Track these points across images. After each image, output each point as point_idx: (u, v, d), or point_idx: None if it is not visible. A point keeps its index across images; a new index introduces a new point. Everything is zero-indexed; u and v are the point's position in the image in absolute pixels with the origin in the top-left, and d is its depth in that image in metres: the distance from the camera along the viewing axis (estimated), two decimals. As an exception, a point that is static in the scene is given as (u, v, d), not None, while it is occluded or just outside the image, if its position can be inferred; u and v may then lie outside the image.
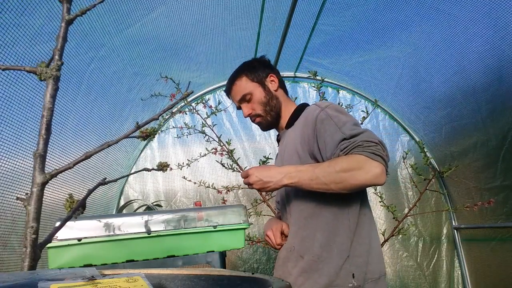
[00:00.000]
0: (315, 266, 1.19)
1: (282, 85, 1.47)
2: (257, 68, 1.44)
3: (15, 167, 1.48)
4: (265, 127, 1.46)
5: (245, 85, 1.41)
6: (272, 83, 1.43)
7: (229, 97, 1.51)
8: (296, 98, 2.92)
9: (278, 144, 1.52)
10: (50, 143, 0.69)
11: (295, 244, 1.27)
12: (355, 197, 1.22)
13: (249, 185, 1.26)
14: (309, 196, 1.23)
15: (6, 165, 1.45)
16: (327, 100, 2.59)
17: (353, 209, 1.22)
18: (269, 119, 1.42)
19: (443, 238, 3.08)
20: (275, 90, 1.43)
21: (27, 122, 1.51)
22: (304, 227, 1.25)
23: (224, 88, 2.05)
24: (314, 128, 1.22)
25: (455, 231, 3.06)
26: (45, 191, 0.68)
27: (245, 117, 1.45)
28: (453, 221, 3.07)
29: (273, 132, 3.12)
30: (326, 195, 1.19)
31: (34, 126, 1.54)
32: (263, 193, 2.63)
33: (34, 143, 1.50)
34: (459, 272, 3.02)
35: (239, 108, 1.47)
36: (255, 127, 3.08)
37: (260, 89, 1.41)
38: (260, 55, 1.54)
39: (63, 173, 0.70)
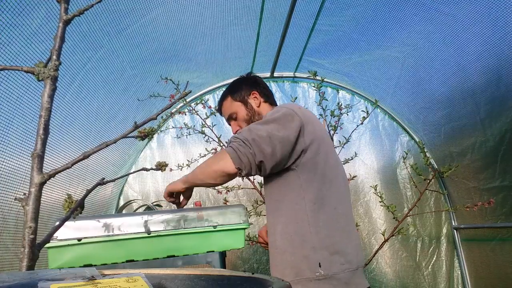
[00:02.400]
0: (280, 258, 1.25)
1: (267, 99, 1.57)
2: (241, 87, 1.56)
3: (5, 167, 1.48)
4: None
5: (230, 105, 1.56)
6: (254, 100, 1.54)
7: (222, 115, 1.66)
8: (296, 98, 2.92)
9: None
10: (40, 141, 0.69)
11: (269, 240, 1.35)
12: (312, 191, 1.24)
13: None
14: (270, 192, 1.34)
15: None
16: (327, 100, 2.58)
17: (308, 198, 1.24)
18: None
19: (442, 238, 3.08)
20: (258, 106, 1.54)
21: (14, 120, 1.50)
22: (269, 221, 1.34)
23: (224, 88, 2.10)
24: None
25: (455, 231, 3.06)
26: (43, 191, 0.68)
27: (234, 133, 1.54)
28: (453, 221, 3.07)
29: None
30: (282, 190, 1.27)
31: (25, 124, 1.54)
32: (263, 193, 2.63)
33: (19, 141, 1.50)
34: (459, 272, 3.02)
35: (229, 124, 1.62)
36: (255, 127, 3.08)
37: (243, 107, 1.53)
38: (248, 72, 1.68)
39: (61, 173, 0.70)
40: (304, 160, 1.25)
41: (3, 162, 1.47)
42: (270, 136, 1.20)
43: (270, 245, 1.32)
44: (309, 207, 1.23)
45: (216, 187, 2.73)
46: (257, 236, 2.78)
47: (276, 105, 1.60)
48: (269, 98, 1.58)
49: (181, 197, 1.45)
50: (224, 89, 3.09)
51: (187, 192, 1.42)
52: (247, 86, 1.56)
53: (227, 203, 2.73)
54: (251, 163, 1.20)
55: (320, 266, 1.17)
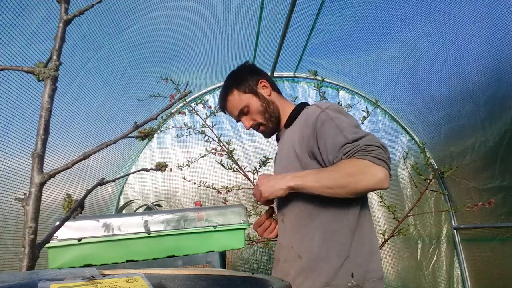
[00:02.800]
0: (314, 265, 1.19)
1: (274, 87, 1.46)
2: (245, 77, 1.42)
3: (6, 167, 1.48)
4: (268, 134, 1.47)
5: (238, 98, 1.40)
6: (264, 89, 1.42)
7: (225, 113, 1.49)
8: (296, 98, 2.92)
9: (278, 143, 1.51)
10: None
11: (294, 244, 1.26)
12: (356, 200, 1.21)
13: (259, 196, 1.22)
14: (308, 197, 1.22)
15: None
16: (327, 100, 2.58)
17: (353, 210, 1.21)
18: (271, 126, 1.42)
19: (442, 238, 3.08)
20: (269, 95, 1.42)
21: (14, 120, 1.51)
22: (303, 227, 1.25)
23: None
24: (314, 129, 1.22)
25: (455, 231, 3.06)
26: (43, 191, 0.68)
27: (248, 129, 1.44)
28: (453, 221, 3.07)
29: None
30: (325, 196, 1.18)
31: (25, 124, 1.54)
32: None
33: (19, 141, 1.50)
34: (459, 272, 3.02)
35: (238, 121, 1.46)
36: (255, 127, 3.08)
37: (254, 98, 1.39)
38: (245, 61, 1.52)
39: (61, 173, 0.70)
40: None
41: (3, 162, 1.47)
42: None
43: (303, 249, 1.23)
44: (352, 218, 1.20)
45: (216, 187, 2.74)
46: (257, 236, 2.79)
47: (280, 93, 1.48)
48: (276, 86, 1.47)
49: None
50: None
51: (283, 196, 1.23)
52: (252, 75, 1.43)
53: (227, 203, 2.73)
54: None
55: (352, 276, 1.14)
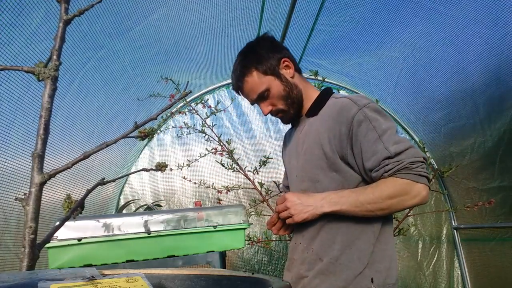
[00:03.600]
0: (333, 269, 1.15)
1: (296, 67, 1.28)
2: (267, 56, 1.24)
3: (2, 167, 1.48)
4: (287, 120, 1.32)
5: (258, 81, 1.22)
6: (287, 69, 1.25)
7: (239, 94, 1.34)
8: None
9: (293, 130, 1.37)
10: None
11: (314, 246, 1.20)
12: None
13: (284, 211, 1.17)
14: None
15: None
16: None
17: (378, 218, 1.16)
18: (292, 112, 1.27)
19: (443, 238, 3.08)
20: (292, 77, 1.25)
21: (15, 120, 1.51)
22: (325, 230, 1.19)
23: (224, 88, 1.99)
24: (350, 129, 1.12)
25: (455, 231, 3.06)
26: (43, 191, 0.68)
27: (265, 115, 1.29)
28: (453, 221, 3.07)
29: (273, 132, 3.12)
30: None
31: (26, 124, 1.54)
32: (263, 193, 2.63)
33: (21, 141, 1.50)
34: (459, 272, 3.02)
35: (254, 104, 1.31)
36: (255, 127, 3.08)
37: (276, 81, 1.23)
38: (264, 32, 1.33)
39: (64, 173, 0.70)
40: None
41: (5, 162, 1.47)
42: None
43: (323, 251, 1.18)
44: (377, 222, 1.15)
45: (216, 187, 2.74)
46: (257, 236, 2.79)
47: (301, 72, 1.32)
48: (297, 65, 1.30)
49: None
50: (224, 89, 3.13)
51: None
52: (273, 52, 1.24)
53: (220, 202, 2.73)
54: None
55: (372, 281, 1.12)
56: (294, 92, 1.24)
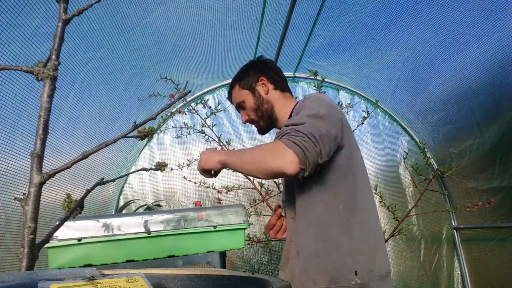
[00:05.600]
0: (312, 263, 1.16)
1: (277, 85, 1.43)
2: (248, 74, 1.44)
3: (6, 167, 1.48)
4: (260, 131, 1.49)
5: (238, 93, 1.45)
6: (262, 87, 1.42)
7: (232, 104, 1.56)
8: (296, 97, 2.92)
9: None
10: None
11: (294, 239, 1.25)
12: (345, 192, 1.19)
13: (198, 165, 1.25)
14: (302, 190, 1.22)
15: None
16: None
17: (343, 202, 1.17)
18: (262, 124, 1.44)
19: (443, 238, 3.08)
20: (266, 94, 1.41)
21: (20, 121, 1.51)
22: (300, 223, 1.23)
23: (224, 88, 2.01)
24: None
25: (455, 231, 3.06)
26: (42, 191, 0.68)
27: (244, 123, 1.49)
28: (453, 221, 3.07)
29: (273, 131, 3.12)
30: (314, 190, 1.19)
31: (30, 125, 1.54)
32: (263, 193, 2.63)
33: (25, 142, 1.50)
34: (459, 272, 3.02)
35: (239, 113, 1.52)
36: (255, 127, 3.08)
37: (250, 96, 1.42)
38: (259, 55, 1.54)
39: (65, 174, 0.70)
40: (338, 159, 1.19)
41: (9, 162, 1.47)
42: (328, 134, 1.10)
43: (300, 247, 1.21)
44: (343, 208, 1.17)
45: (216, 187, 2.74)
46: (257, 236, 2.79)
47: (290, 91, 1.49)
48: (280, 84, 1.44)
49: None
50: (224, 89, 3.13)
51: (218, 171, 1.26)
52: (255, 72, 1.44)
53: (221, 202, 2.73)
54: (315, 162, 1.07)
55: (356, 274, 1.11)
56: (264, 106, 1.41)
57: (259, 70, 1.44)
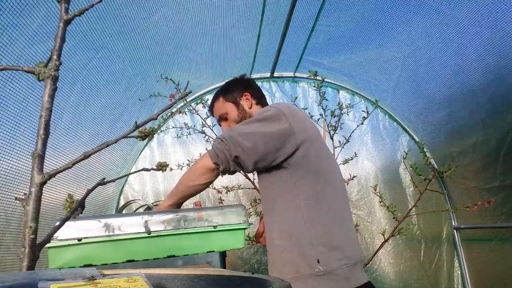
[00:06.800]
0: (278, 258, 1.25)
1: (259, 101, 1.58)
2: (233, 89, 1.56)
3: (7, 167, 1.48)
4: None
5: (221, 105, 1.56)
6: (246, 102, 1.55)
7: (213, 116, 1.66)
8: (296, 98, 2.92)
9: None
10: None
11: (266, 239, 1.35)
12: (307, 190, 1.25)
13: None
14: (264, 192, 1.35)
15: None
16: (327, 100, 2.58)
17: (304, 196, 1.24)
18: None
19: (443, 238, 3.08)
20: (249, 108, 1.54)
21: (21, 121, 1.51)
22: (266, 221, 1.34)
23: None
24: None
25: (455, 231, 3.05)
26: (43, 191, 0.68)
27: None
28: (453, 221, 3.07)
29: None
30: (276, 188, 1.28)
31: (32, 125, 1.54)
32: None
33: (26, 142, 1.50)
34: (459, 272, 3.02)
35: (219, 124, 1.62)
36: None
37: (234, 108, 1.53)
38: (242, 74, 1.69)
39: (67, 174, 0.70)
40: (296, 159, 1.26)
41: (10, 162, 1.47)
42: (252, 132, 1.24)
43: (268, 244, 1.33)
44: (304, 204, 1.24)
45: (216, 187, 2.74)
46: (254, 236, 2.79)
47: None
48: (261, 100, 1.60)
49: None
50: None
51: None
52: (239, 87, 1.57)
53: (222, 202, 2.73)
54: (227, 158, 1.25)
55: (318, 262, 1.17)
56: (246, 119, 1.50)
57: (243, 86, 1.58)
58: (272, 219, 1.30)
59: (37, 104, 1.54)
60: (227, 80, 1.66)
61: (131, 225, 1.34)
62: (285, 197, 1.27)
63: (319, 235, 1.21)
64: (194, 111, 2.71)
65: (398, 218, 2.40)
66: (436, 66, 2.50)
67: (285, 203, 1.26)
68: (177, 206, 1.41)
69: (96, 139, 2.22)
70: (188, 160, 2.72)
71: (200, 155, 2.57)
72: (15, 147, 1.49)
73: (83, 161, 0.71)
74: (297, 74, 3.19)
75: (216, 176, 1.34)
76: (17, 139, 1.49)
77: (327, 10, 2.31)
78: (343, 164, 2.77)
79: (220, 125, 1.61)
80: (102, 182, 0.70)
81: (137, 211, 2.56)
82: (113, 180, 0.78)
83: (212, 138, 2.65)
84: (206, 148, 2.62)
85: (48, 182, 0.68)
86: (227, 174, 1.36)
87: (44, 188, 0.67)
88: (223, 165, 1.27)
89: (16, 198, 0.66)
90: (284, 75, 3.19)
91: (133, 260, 1.34)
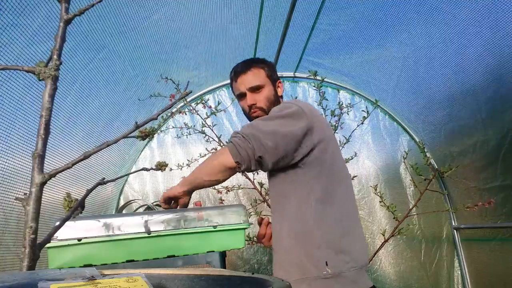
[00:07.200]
0: (285, 258, 1.22)
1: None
2: (275, 70, 1.49)
3: (3, 166, 1.48)
4: None
5: (262, 76, 1.42)
6: (279, 89, 1.49)
7: (235, 78, 1.46)
8: (296, 97, 2.92)
9: None
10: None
11: (273, 238, 1.33)
12: (319, 189, 1.23)
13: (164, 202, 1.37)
14: (276, 190, 1.31)
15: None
16: (327, 100, 2.58)
17: (316, 197, 1.22)
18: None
19: (443, 238, 3.08)
20: (281, 96, 1.48)
21: (17, 120, 1.51)
22: (274, 220, 1.31)
23: (224, 88, 1.98)
24: None
25: (455, 231, 3.05)
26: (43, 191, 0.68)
27: (249, 105, 1.43)
28: (453, 221, 3.07)
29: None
30: (289, 187, 1.25)
31: (27, 124, 1.54)
32: (263, 193, 2.63)
33: (22, 141, 1.50)
34: (459, 272, 3.02)
35: (240, 95, 1.45)
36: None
37: (271, 87, 1.44)
38: (263, 57, 1.55)
39: (64, 173, 0.70)
40: (311, 158, 1.24)
41: (6, 162, 1.47)
42: (274, 131, 1.18)
43: (275, 243, 1.30)
44: (315, 205, 1.21)
45: (216, 187, 2.73)
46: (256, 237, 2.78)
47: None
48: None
49: (179, 205, 1.42)
50: (224, 89, 3.13)
51: (185, 198, 1.36)
52: (276, 72, 1.50)
53: (222, 202, 2.73)
54: (250, 157, 1.19)
55: (327, 264, 1.15)
56: (276, 104, 1.43)
57: (277, 74, 1.51)
58: (282, 218, 1.27)
59: (33, 104, 1.54)
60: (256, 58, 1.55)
61: (131, 225, 1.34)
62: (297, 196, 1.24)
63: (328, 237, 1.19)
64: (194, 111, 2.71)
65: (399, 218, 2.40)
66: (436, 66, 2.49)
67: (297, 203, 1.24)
68: (188, 193, 1.35)
69: (92, 138, 2.22)
70: (188, 160, 2.72)
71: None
72: (11, 146, 1.48)
73: (81, 161, 0.71)
74: (297, 74, 3.19)
75: (234, 174, 1.30)
76: (12, 138, 1.49)
77: (328, 8, 2.30)
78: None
79: (240, 97, 1.46)
80: (102, 182, 0.70)
81: (137, 211, 2.56)
82: (113, 180, 0.78)
83: (212, 138, 2.65)
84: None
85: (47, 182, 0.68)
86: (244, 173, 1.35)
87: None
88: (245, 164, 1.20)
89: (16, 198, 0.66)
90: (284, 75, 3.19)
91: (133, 260, 1.34)
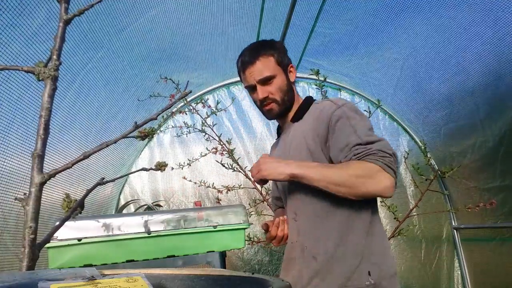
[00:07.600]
0: (329, 267, 1.17)
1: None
2: (284, 53, 1.34)
3: (6, 167, 1.48)
4: (274, 115, 1.36)
5: (272, 66, 1.29)
6: (291, 74, 1.36)
7: (242, 69, 1.34)
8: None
9: (278, 136, 1.47)
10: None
11: (308, 243, 1.22)
12: (368, 201, 1.20)
13: (256, 172, 1.21)
14: (322, 195, 1.19)
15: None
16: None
17: (367, 209, 1.20)
18: (282, 109, 1.33)
19: (443, 238, 3.08)
20: (293, 82, 1.36)
21: (15, 120, 1.51)
22: (320, 226, 1.21)
23: (223, 88, 1.93)
24: (328, 125, 1.19)
25: (455, 231, 3.05)
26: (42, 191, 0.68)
27: (260, 99, 1.31)
28: (453, 221, 3.07)
29: (273, 131, 3.12)
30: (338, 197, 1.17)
31: (25, 124, 1.54)
32: (263, 193, 2.63)
33: (20, 141, 1.50)
34: (459, 272, 3.02)
35: (249, 87, 1.33)
36: (255, 126, 3.08)
37: (283, 76, 1.31)
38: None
39: (62, 173, 0.70)
40: None
41: (4, 162, 1.47)
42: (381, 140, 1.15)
43: (317, 250, 1.20)
44: (366, 213, 1.19)
45: (216, 187, 2.73)
46: (257, 236, 2.79)
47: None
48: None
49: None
50: (224, 89, 3.13)
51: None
52: (287, 55, 1.35)
53: (220, 202, 2.73)
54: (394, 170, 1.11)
55: (369, 274, 1.14)
56: (290, 92, 1.34)
57: (288, 56, 1.35)
58: (332, 225, 1.19)
59: (32, 103, 1.54)
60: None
61: (131, 225, 1.34)
62: (348, 205, 1.17)
63: (373, 245, 1.18)
64: (194, 110, 2.71)
65: (399, 219, 2.40)
66: (436, 66, 2.50)
67: (348, 212, 1.18)
68: (296, 178, 1.15)
69: (89, 137, 2.21)
70: (189, 160, 2.72)
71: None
72: (9, 147, 1.48)
73: (81, 161, 0.71)
74: (297, 74, 3.18)
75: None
76: (11, 138, 1.49)
77: (326, 12, 2.30)
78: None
79: (249, 86, 1.33)
80: (102, 182, 0.70)
81: (137, 211, 2.56)
82: (113, 180, 0.78)
83: (212, 137, 2.64)
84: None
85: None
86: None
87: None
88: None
89: (16, 198, 0.66)
90: (284, 75, 3.19)
91: (133, 260, 1.34)
